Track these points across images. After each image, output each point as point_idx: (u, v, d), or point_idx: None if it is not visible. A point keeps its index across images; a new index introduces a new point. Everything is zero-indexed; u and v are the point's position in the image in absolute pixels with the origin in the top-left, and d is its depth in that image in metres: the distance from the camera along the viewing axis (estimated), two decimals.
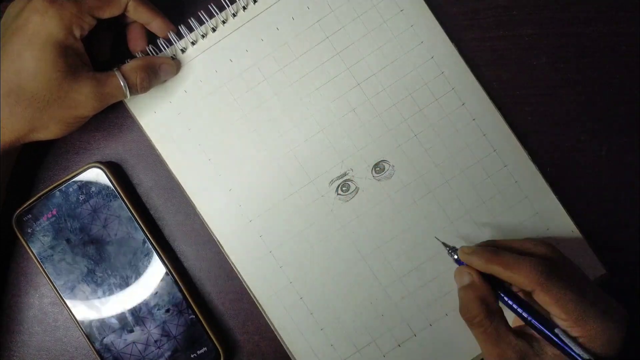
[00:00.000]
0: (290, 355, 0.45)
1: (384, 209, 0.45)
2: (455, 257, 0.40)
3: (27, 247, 0.45)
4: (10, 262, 0.47)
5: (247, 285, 0.45)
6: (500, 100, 0.45)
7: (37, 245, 0.45)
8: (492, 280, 0.38)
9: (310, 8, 0.45)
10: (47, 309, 0.47)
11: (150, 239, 0.45)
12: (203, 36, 0.45)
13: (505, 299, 0.37)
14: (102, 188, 0.45)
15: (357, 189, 0.45)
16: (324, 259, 0.45)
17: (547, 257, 0.37)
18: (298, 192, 0.45)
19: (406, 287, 0.44)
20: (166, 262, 0.45)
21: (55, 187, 0.45)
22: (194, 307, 0.45)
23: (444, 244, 0.42)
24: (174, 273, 0.45)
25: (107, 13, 0.41)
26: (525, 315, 0.36)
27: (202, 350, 0.45)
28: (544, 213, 0.44)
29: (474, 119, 0.45)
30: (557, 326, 0.35)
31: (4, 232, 0.46)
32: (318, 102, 0.45)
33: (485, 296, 0.37)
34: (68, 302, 0.45)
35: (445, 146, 0.45)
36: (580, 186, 0.45)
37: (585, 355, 0.33)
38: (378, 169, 0.45)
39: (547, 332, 0.35)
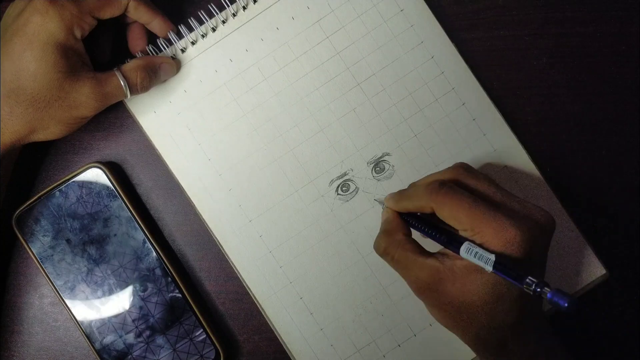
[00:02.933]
0: (290, 355, 0.45)
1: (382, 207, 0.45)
2: (383, 205, 0.42)
3: (27, 247, 0.45)
4: (10, 262, 0.47)
5: (247, 285, 0.45)
6: (500, 100, 0.45)
7: (37, 245, 0.45)
8: (409, 216, 0.40)
9: (310, 8, 0.45)
10: (47, 309, 0.47)
11: (150, 239, 0.45)
12: (203, 36, 0.45)
13: (414, 223, 0.39)
14: (102, 188, 0.45)
15: (357, 189, 0.45)
16: (324, 259, 0.45)
17: (447, 178, 0.38)
18: (298, 192, 0.45)
19: (406, 287, 0.44)
20: (166, 262, 0.45)
21: (55, 187, 0.45)
22: (194, 307, 0.45)
23: (377, 201, 0.44)
24: (173, 273, 0.45)
25: (108, 13, 0.41)
26: (428, 231, 0.38)
27: (202, 351, 0.45)
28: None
29: (474, 119, 0.45)
30: (463, 238, 0.35)
31: (4, 232, 0.46)
32: (318, 102, 0.45)
33: (391, 229, 0.39)
34: (68, 302, 0.45)
35: (445, 146, 0.45)
36: (580, 186, 0.45)
37: (491, 256, 0.33)
38: (378, 169, 0.45)
39: (443, 240, 0.37)
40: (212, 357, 0.45)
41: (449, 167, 0.39)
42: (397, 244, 0.38)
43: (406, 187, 0.44)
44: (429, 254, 0.37)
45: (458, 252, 0.35)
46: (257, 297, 0.45)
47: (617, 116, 0.46)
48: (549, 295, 0.30)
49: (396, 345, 0.44)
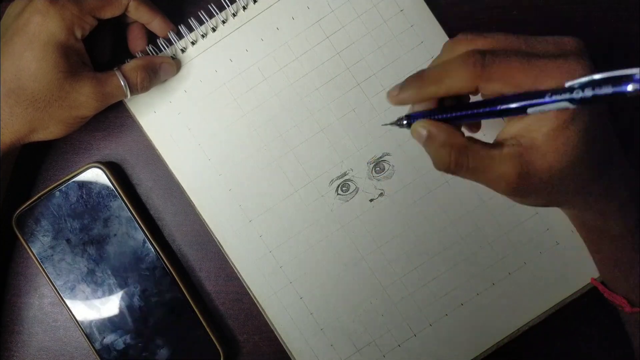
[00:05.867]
0: (290, 355, 0.45)
1: (384, 208, 0.45)
2: (404, 122, 0.36)
3: (27, 247, 0.45)
4: (10, 262, 0.47)
5: (247, 285, 0.45)
6: None
7: (37, 245, 0.45)
8: (446, 112, 0.34)
9: (310, 8, 0.45)
10: (47, 309, 0.47)
11: (150, 239, 0.45)
12: (203, 36, 0.45)
13: (458, 115, 0.33)
14: (102, 188, 0.45)
15: (357, 189, 0.45)
16: (324, 259, 0.45)
17: (476, 49, 0.32)
18: (298, 192, 0.45)
19: (406, 287, 0.44)
20: (166, 262, 0.45)
21: (55, 187, 0.45)
22: (194, 307, 0.45)
23: (392, 123, 0.37)
24: (173, 273, 0.45)
25: (108, 13, 0.41)
26: (490, 110, 0.32)
27: (202, 351, 0.45)
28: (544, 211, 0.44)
29: None
30: (525, 95, 0.30)
31: (4, 232, 0.46)
32: (318, 102, 0.45)
33: (446, 138, 0.33)
34: (68, 302, 0.45)
35: None
36: None
37: (569, 91, 0.28)
38: (378, 169, 0.45)
39: (514, 108, 0.31)
40: (212, 357, 0.45)
41: (455, 40, 0.34)
42: (465, 150, 0.32)
43: (406, 186, 0.44)
44: (500, 144, 0.32)
45: (541, 107, 0.29)
46: (257, 297, 0.45)
47: (617, 116, 0.46)
48: (635, 76, 0.26)
49: (396, 345, 0.44)
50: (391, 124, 0.37)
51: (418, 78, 0.34)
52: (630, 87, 0.26)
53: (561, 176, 0.32)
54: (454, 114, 0.33)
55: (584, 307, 0.45)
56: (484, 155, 0.32)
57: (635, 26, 0.46)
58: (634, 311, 0.38)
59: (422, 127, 0.34)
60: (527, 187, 0.32)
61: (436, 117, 0.34)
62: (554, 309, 0.44)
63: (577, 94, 0.28)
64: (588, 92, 0.28)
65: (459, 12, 0.46)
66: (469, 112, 0.33)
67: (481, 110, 0.32)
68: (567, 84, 0.28)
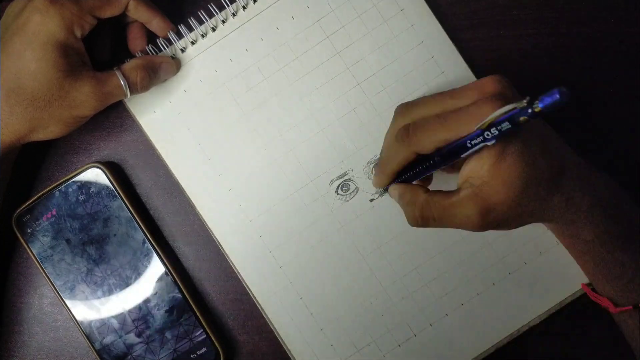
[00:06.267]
0: (290, 355, 0.45)
1: (384, 208, 0.45)
2: (384, 188, 0.41)
3: (27, 247, 0.45)
4: (10, 262, 0.47)
5: (247, 285, 0.45)
6: None
7: (37, 245, 0.45)
8: (406, 175, 0.39)
9: (310, 8, 0.45)
10: (47, 309, 0.47)
11: (150, 239, 0.45)
12: (203, 36, 0.45)
13: (414, 173, 0.38)
14: (101, 188, 0.45)
15: (357, 189, 0.45)
16: (324, 259, 0.45)
17: (401, 124, 0.36)
18: (298, 192, 0.45)
19: (406, 287, 0.44)
20: (166, 262, 0.45)
21: (55, 187, 0.45)
22: (193, 307, 0.45)
23: (377, 193, 0.44)
24: (173, 273, 0.45)
25: (108, 12, 0.41)
26: (429, 165, 0.36)
27: (202, 351, 0.45)
28: None
29: None
30: (470, 135, 0.33)
31: (4, 232, 0.46)
32: (318, 102, 0.45)
33: (411, 197, 0.37)
34: (68, 302, 0.45)
35: None
36: None
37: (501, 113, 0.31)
38: None
39: (453, 154, 0.34)
40: (212, 357, 0.45)
41: (394, 115, 0.38)
42: (427, 204, 0.36)
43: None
44: (457, 190, 0.35)
45: (469, 150, 0.33)
46: (257, 297, 0.45)
47: (617, 116, 0.46)
48: (539, 103, 0.28)
49: (396, 345, 0.44)
50: (378, 195, 0.45)
51: (378, 165, 0.40)
52: (522, 119, 0.30)
53: (518, 202, 0.34)
54: (407, 175, 0.38)
55: (585, 307, 0.44)
56: (445, 205, 0.35)
57: (636, 26, 0.45)
58: (619, 311, 0.38)
59: (393, 189, 0.39)
60: (493, 220, 0.35)
61: (400, 179, 0.39)
62: (554, 309, 0.44)
63: (487, 135, 0.31)
64: (494, 131, 0.31)
65: (459, 12, 0.46)
66: (417, 169, 0.37)
67: (423, 167, 0.36)
68: (475, 127, 0.32)
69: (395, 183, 0.39)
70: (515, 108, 0.30)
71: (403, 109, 0.37)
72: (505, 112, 0.31)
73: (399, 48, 0.45)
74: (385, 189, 0.42)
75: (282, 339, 0.45)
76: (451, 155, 0.34)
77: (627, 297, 0.38)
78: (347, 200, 0.45)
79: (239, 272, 0.45)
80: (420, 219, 0.37)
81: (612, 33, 0.46)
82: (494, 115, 0.31)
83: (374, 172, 0.40)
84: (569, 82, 0.46)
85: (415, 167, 0.37)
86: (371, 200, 0.45)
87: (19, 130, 0.40)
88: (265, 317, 0.45)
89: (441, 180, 0.42)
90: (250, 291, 0.45)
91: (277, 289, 0.45)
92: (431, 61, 0.45)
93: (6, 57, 0.38)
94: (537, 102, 0.29)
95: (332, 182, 0.45)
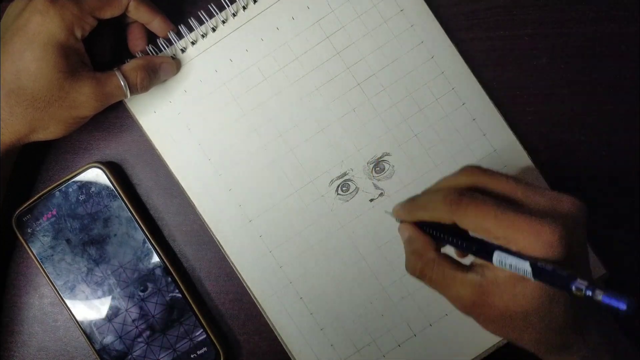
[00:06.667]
0: (290, 355, 0.45)
1: (384, 208, 0.45)
2: (393, 216, 0.39)
3: (27, 247, 0.45)
4: (10, 262, 0.47)
5: (247, 285, 0.45)
6: (500, 100, 0.45)
7: (37, 245, 0.45)
8: (430, 227, 0.37)
9: (310, 8, 0.45)
10: (47, 309, 0.47)
11: (150, 239, 0.45)
12: (203, 36, 0.45)
13: (437, 234, 0.36)
14: (102, 188, 0.45)
15: (357, 189, 0.45)
16: (324, 259, 0.45)
17: (464, 184, 0.35)
18: (298, 192, 0.45)
19: (406, 287, 0.44)
20: (166, 262, 0.45)
21: (55, 187, 0.45)
22: (194, 307, 0.45)
23: (389, 213, 0.41)
24: (173, 273, 0.45)
25: (108, 13, 0.41)
26: (455, 241, 0.34)
27: (202, 351, 0.45)
28: None
29: (474, 119, 0.45)
30: (496, 247, 0.32)
31: (4, 232, 0.46)
32: (318, 102, 0.45)
33: (419, 248, 0.36)
34: (68, 302, 0.45)
35: (445, 146, 0.45)
36: (581, 186, 0.45)
37: (526, 264, 0.30)
38: (378, 169, 0.45)
39: (474, 250, 0.33)
40: (212, 357, 0.45)
41: (462, 170, 0.36)
42: (432, 264, 0.35)
43: (406, 186, 0.44)
44: (467, 268, 0.34)
45: (491, 262, 0.32)
46: (257, 297, 0.45)
47: (617, 116, 0.46)
48: (603, 299, 0.27)
49: (396, 345, 0.44)
50: (378, 195, 0.44)
51: (411, 202, 0.37)
52: (573, 288, 0.28)
53: (515, 319, 0.33)
54: (431, 232, 0.36)
55: None
56: (448, 275, 0.34)
57: (636, 26, 0.45)
58: None
59: (405, 229, 0.38)
60: (482, 316, 0.34)
61: (422, 225, 0.37)
62: None
63: (529, 270, 0.30)
64: (529, 275, 0.30)
65: (459, 12, 0.46)
66: (443, 237, 0.35)
67: (453, 241, 0.34)
68: (517, 260, 0.30)
69: (411, 224, 0.37)
70: (565, 279, 0.28)
71: (472, 171, 0.35)
72: (553, 274, 0.29)
73: (399, 48, 0.45)
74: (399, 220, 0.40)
75: (282, 339, 0.45)
76: (485, 256, 0.32)
77: None
78: (347, 200, 0.45)
79: (239, 272, 0.45)
80: (419, 273, 0.36)
81: (612, 33, 0.46)
82: (535, 268, 0.30)
83: (400, 205, 0.38)
84: (569, 81, 0.46)
85: (447, 234, 0.35)
86: (371, 200, 0.45)
87: (19, 130, 0.40)
88: (265, 317, 0.45)
89: None
90: (250, 291, 0.45)
91: (277, 289, 0.45)
92: (431, 61, 0.45)
93: (6, 58, 0.38)
94: (600, 295, 0.27)
95: (332, 182, 0.45)
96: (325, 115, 0.45)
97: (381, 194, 0.45)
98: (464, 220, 0.33)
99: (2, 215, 0.45)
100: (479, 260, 0.34)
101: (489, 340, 0.44)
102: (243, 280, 0.45)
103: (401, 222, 0.38)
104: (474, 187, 0.34)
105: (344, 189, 0.45)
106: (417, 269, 0.36)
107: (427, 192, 0.37)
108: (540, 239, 0.30)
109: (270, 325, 0.45)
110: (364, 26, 0.45)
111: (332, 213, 0.45)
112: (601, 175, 0.45)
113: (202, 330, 0.45)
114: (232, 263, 0.45)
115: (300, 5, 0.45)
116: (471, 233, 0.34)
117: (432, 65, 0.45)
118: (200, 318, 0.45)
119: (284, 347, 0.45)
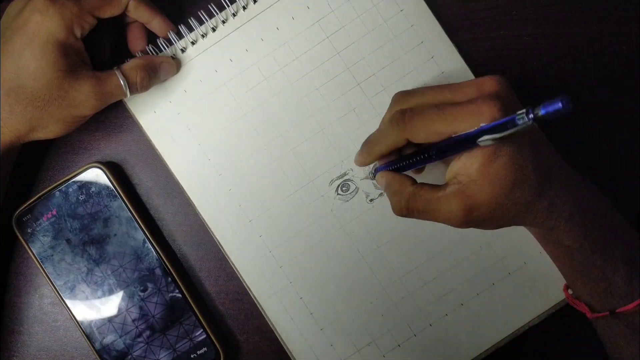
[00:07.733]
0: (290, 355, 0.45)
1: (384, 208, 0.45)
2: (373, 173, 0.42)
3: (27, 247, 0.45)
4: (10, 262, 0.47)
5: (247, 285, 0.45)
6: None
7: (37, 245, 0.45)
8: (396, 164, 0.39)
9: (310, 8, 0.45)
10: (47, 309, 0.47)
11: (150, 239, 0.45)
12: (203, 36, 0.45)
13: (404, 164, 0.38)
14: (102, 188, 0.45)
15: (357, 189, 0.45)
16: (324, 259, 0.45)
17: (397, 109, 0.37)
18: (298, 192, 0.45)
19: (406, 287, 0.44)
20: (166, 262, 0.45)
21: (55, 187, 0.45)
22: (194, 307, 0.45)
23: (367, 177, 0.44)
24: (173, 273, 0.45)
25: (108, 12, 0.41)
26: (422, 157, 0.36)
27: (202, 351, 0.45)
28: None
29: None
30: (472, 131, 0.33)
31: (4, 232, 0.46)
32: (318, 102, 0.45)
33: (398, 187, 0.38)
34: (68, 302, 0.45)
35: None
36: None
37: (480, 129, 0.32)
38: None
39: (449, 148, 0.34)
40: (212, 357, 0.45)
41: (392, 100, 0.38)
42: (413, 197, 0.36)
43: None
44: (444, 185, 0.36)
45: (467, 148, 0.33)
46: (257, 297, 0.45)
47: (617, 116, 0.46)
48: (542, 111, 0.29)
49: (396, 345, 0.44)
50: (367, 177, 0.45)
51: (366, 143, 0.40)
52: (521, 124, 0.30)
53: (501, 204, 0.34)
54: (399, 164, 0.38)
55: None
56: (431, 199, 0.36)
57: (636, 26, 0.45)
58: (595, 317, 0.38)
59: (380, 177, 0.40)
60: (476, 219, 0.35)
61: (392, 167, 0.39)
62: (554, 308, 0.44)
63: (484, 138, 0.32)
64: (494, 134, 0.31)
65: (459, 12, 0.46)
66: (410, 161, 0.37)
67: (418, 158, 0.37)
68: (479, 125, 0.32)
69: (384, 170, 0.40)
70: (509, 124, 0.30)
71: (401, 96, 0.38)
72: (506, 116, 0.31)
73: (399, 48, 0.45)
74: (373, 175, 0.42)
75: (282, 339, 0.45)
76: (448, 151, 0.34)
77: (604, 303, 0.38)
78: (347, 200, 0.45)
79: (239, 272, 0.45)
80: (406, 210, 0.37)
81: (612, 33, 0.46)
82: (486, 126, 0.31)
83: (358, 152, 0.41)
84: (569, 82, 0.46)
85: (410, 158, 0.37)
86: (371, 200, 0.45)
87: (18, 129, 0.40)
88: (265, 317, 0.45)
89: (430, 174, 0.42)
90: (250, 291, 0.45)
91: (277, 289, 0.45)
92: (431, 61, 0.45)
93: (6, 57, 0.38)
94: (539, 109, 0.29)
95: (332, 182, 0.45)
96: (325, 115, 0.45)
97: (381, 194, 0.45)
98: (414, 132, 0.35)
99: (2, 215, 0.45)
100: (450, 174, 0.35)
101: (489, 340, 0.44)
102: (243, 280, 0.45)
103: (375, 176, 0.41)
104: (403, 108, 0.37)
105: (344, 189, 0.45)
106: (402, 207, 0.37)
107: (374, 133, 0.39)
108: (483, 116, 0.32)
109: (270, 325, 0.45)
110: (364, 26, 0.45)
111: (332, 213, 0.45)
112: (601, 175, 0.45)
113: (202, 330, 0.45)
114: (232, 263, 0.45)
115: (300, 5, 0.45)
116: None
117: (432, 65, 0.45)
118: (200, 318, 0.45)
119: (284, 347, 0.45)
